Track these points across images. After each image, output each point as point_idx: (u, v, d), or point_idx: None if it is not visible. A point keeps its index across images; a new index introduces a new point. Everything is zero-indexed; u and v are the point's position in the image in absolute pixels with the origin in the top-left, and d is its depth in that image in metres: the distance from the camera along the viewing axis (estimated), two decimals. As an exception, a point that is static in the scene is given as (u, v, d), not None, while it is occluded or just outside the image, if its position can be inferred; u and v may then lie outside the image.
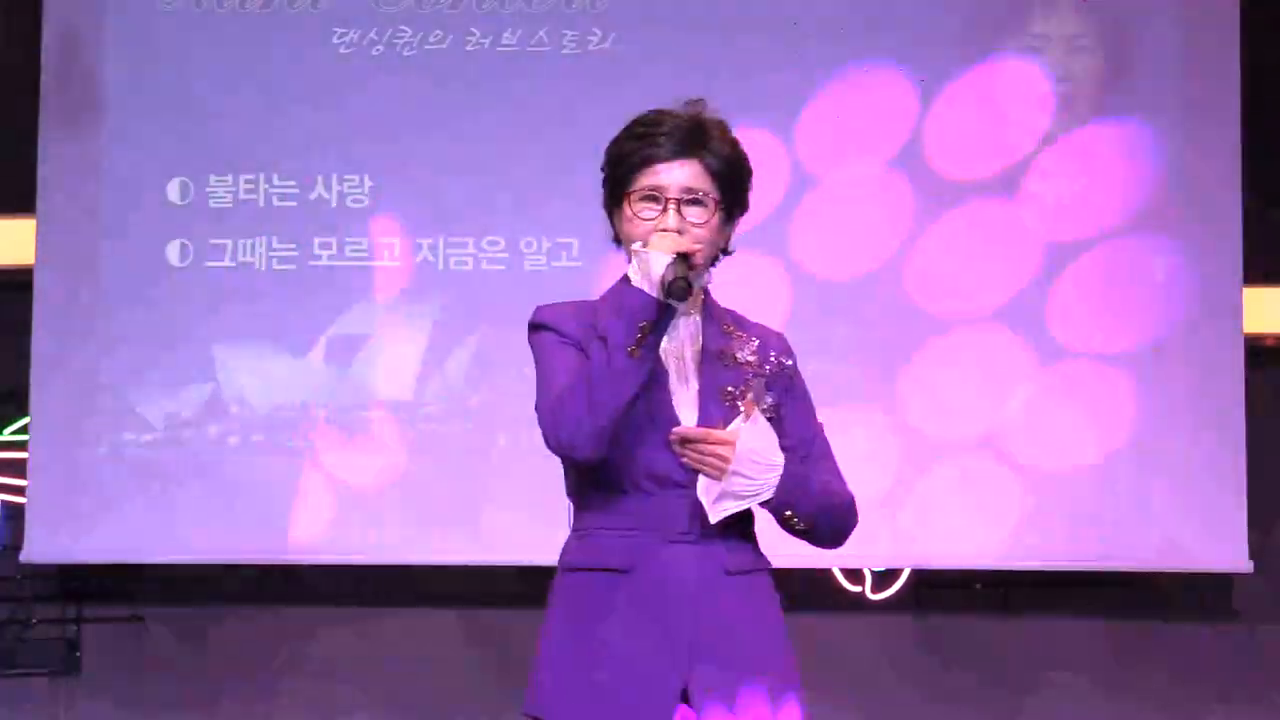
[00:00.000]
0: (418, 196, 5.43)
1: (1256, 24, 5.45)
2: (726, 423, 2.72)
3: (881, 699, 5.54)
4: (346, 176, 5.44)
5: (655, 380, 2.73)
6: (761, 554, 2.85)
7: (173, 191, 5.45)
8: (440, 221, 5.43)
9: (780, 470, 2.72)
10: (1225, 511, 5.29)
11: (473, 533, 5.31)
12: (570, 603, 2.78)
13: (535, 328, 2.84)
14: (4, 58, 5.70)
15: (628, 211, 2.78)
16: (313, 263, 5.44)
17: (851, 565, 5.44)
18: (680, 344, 2.80)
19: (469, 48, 5.46)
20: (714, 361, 2.79)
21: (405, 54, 5.46)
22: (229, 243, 5.44)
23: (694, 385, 2.78)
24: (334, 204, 5.44)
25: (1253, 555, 5.29)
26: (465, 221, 5.42)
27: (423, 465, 5.36)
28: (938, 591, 5.56)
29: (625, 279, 2.75)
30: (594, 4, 5.45)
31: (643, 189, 2.76)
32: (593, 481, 2.78)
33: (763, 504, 2.76)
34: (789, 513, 2.76)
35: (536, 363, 2.81)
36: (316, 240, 5.44)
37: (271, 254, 5.43)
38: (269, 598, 5.59)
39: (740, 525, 2.80)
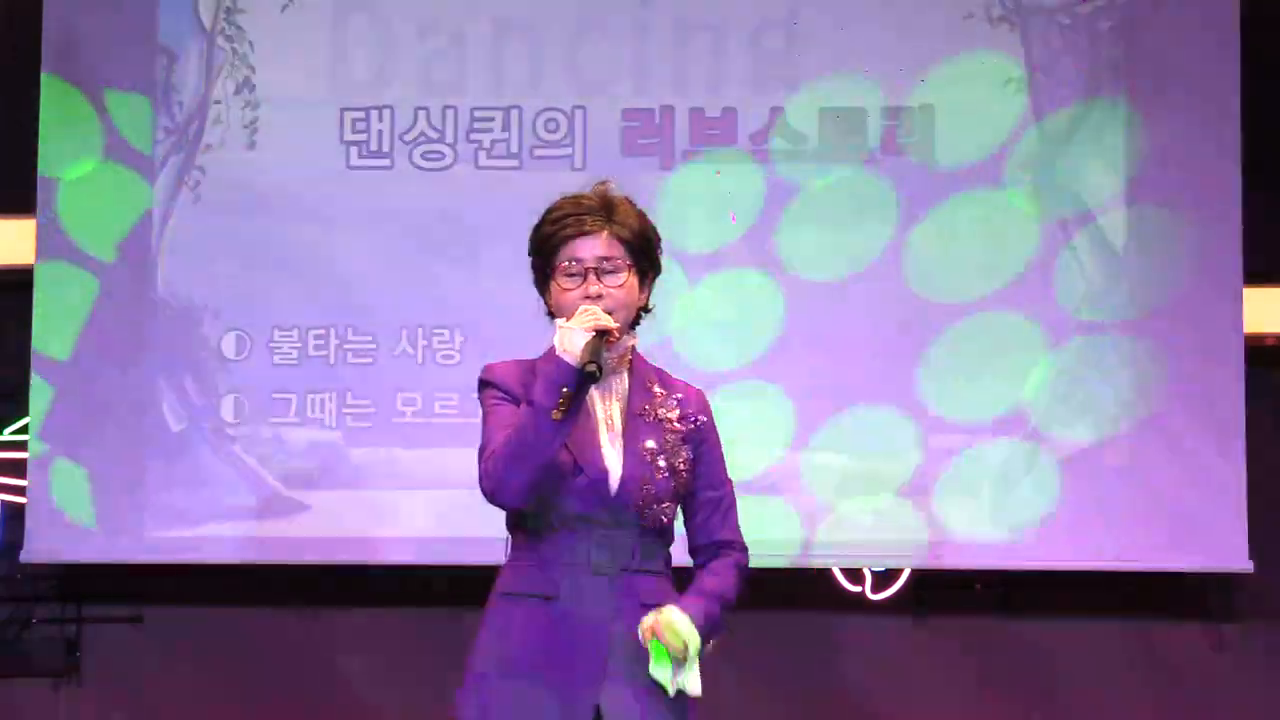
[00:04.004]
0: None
1: (1256, 24, 5.45)
2: (646, 472, 3.06)
3: (881, 699, 5.54)
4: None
5: (587, 434, 3.07)
6: (673, 588, 3.12)
7: (172, 191, 5.47)
8: (440, 222, 5.44)
9: (699, 641, 3.01)
10: (1225, 511, 5.29)
11: (476, 533, 5.29)
12: (499, 624, 3.08)
13: (481, 384, 3.17)
14: (4, 58, 5.70)
15: (554, 286, 3.12)
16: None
17: (851, 565, 5.44)
18: (609, 402, 3.13)
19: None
20: (637, 419, 3.11)
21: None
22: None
23: (619, 442, 3.10)
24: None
25: (1253, 555, 5.30)
26: (465, 221, 5.44)
27: (424, 465, 5.36)
28: (938, 591, 5.55)
29: (554, 347, 3.04)
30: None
31: (564, 264, 3.11)
32: (528, 520, 3.10)
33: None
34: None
35: (482, 417, 3.13)
36: (316, 240, 5.48)
37: (272, 254, 5.47)
38: (270, 598, 5.58)
39: (656, 560, 3.12)
